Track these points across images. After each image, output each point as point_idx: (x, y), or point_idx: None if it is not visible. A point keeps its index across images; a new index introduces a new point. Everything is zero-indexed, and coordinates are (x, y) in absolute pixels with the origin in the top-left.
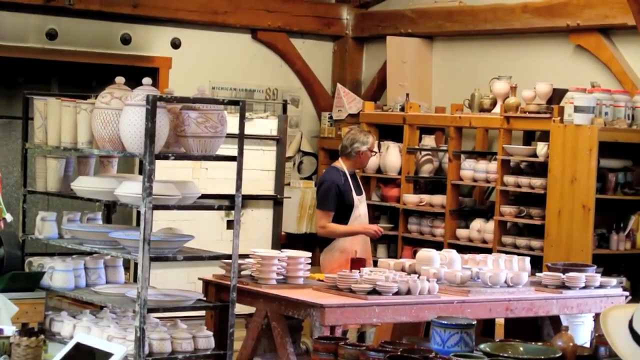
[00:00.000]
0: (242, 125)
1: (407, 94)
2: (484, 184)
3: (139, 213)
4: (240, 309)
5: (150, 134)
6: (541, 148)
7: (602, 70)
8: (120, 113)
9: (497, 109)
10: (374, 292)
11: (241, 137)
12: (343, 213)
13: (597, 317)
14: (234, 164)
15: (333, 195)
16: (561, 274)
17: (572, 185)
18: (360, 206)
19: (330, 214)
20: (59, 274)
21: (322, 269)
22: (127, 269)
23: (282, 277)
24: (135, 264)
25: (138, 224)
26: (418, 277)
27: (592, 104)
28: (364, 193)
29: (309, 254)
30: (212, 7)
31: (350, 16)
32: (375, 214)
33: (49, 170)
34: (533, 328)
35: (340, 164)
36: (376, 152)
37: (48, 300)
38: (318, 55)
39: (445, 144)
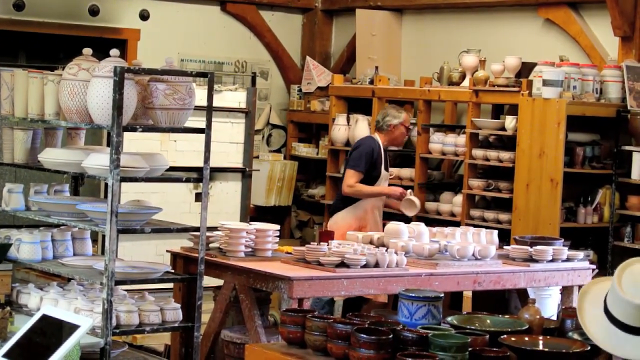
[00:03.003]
0: (210, 98)
1: (377, 67)
2: (452, 158)
3: (106, 185)
4: (208, 281)
5: (117, 105)
6: (510, 122)
7: (570, 44)
8: (88, 84)
9: (466, 83)
10: (342, 264)
11: (209, 110)
12: (367, 182)
13: (564, 290)
14: (203, 137)
15: (367, 158)
16: (529, 247)
17: (540, 159)
18: (384, 182)
19: (360, 176)
20: (26, 246)
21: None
22: (94, 241)
23: (250, 249)
24: (103, 236)
25: (106, 196)
26: (386, 250)
27: (561, 77)
28: (389, 171)
29: (277, 227)
30: None
31: None
32: None
33: (16, 141)
34: (500, 301)
35: (376, 136)
36: (411, 129)
37: (15, 272)
38: (287, 28)
39: (414, 117)
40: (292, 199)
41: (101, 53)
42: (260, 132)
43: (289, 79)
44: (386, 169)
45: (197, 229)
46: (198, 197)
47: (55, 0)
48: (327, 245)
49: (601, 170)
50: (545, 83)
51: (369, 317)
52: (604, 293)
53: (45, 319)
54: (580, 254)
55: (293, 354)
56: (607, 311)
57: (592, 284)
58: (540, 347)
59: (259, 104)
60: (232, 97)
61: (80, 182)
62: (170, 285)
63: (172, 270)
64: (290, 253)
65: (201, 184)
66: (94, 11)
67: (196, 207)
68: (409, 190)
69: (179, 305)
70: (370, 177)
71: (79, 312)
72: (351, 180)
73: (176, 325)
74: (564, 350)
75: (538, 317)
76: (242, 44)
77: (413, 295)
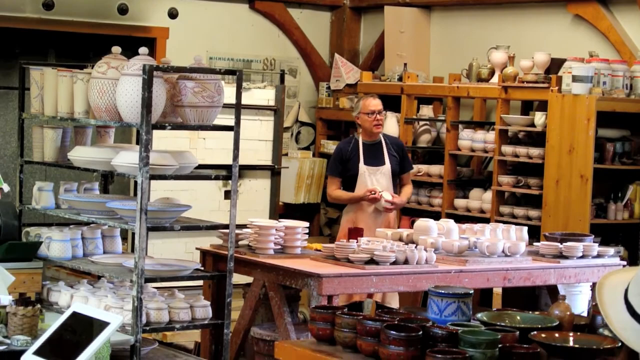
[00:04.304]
0: (239, 95)
1: (405, 64)
2: (481, 154)
3: (136, 183)
4: (237, 278)
5: (146, 103)
6: (539, 118)
7: (600, 40)
8: (117, 83)
9: (495, 79)
10: (372, 261)
11: (238, 107)
12: (348, 181)
13: (594, 287)
14: (231, 134)
15: (337, 161)
16: (559, 244)
17: (570, 155)
18: (370, 177)
19: (335, 180)
20: (57, 244)
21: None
22: (124, 239)
23: (279, 247)
24: (133, 234)
25: (135, 194)
26: (415, 247)
27: (590, 73)
28: (385, 165)
29: (307, 224)
30: None
31: None
32: None
33: (46, 140)
34: (530, 297)
35: (357, 134)
36: (374, 113)
37: (46, 270)
38: (316, 25)
39: (443, 114)
40: (321, 196)
41: (130, 51)
42: (289, 129)
43: (318, 77)
44: (371, 163)
45: (226, 227)
46: (227, 194)
47: None
48: (356, 242)
49: (631, 166)
50: (575, 79)
51: (398, 314)
52: (622, 286)
53: (75, 316)
54: (611, 250)
55: (323, 350)
56: (629, 307)
57: (607, 277)
58: (571, 344)
59: (288, 102)
60: (261, 94)
61: (109, 180)
62: (199, 282)
63: (202, 268)
64: (320, 250)
65: (230, 181)
66: (122, 10)
67: (225, 205)
68: (381, 193)
69: (208, 303)
70: (348, 178)
71: (109, 309)
72: (330, 188)
73: (206, 322)
74: (594, 347)
75: (568, 313)
76: (271, 41)
77: (442, 292)
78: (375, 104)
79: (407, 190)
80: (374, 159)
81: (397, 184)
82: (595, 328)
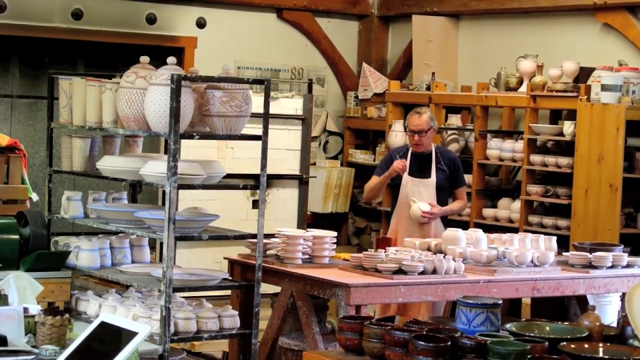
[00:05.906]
0: (267, 105)
1: (433, 73)
2: (510, 163)
3: (164, 192)
4: (265, 288)
5: (174, 113)
6: (568, 127)
7: (629, 49)
8: (145, 92)
9: (524, 88)
10: (400, 271)
11: (266, 117)
12: (392, 190)
13: (624, 297)
14: (259, 144)
15: (384, 163)
16: (588, 254)
17: (599, 164)
18: (412, 188)
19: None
20: (85, 254)
21: None
22: (152, 248)
23: (307, 256)
24: (161, 244)
25: (163, 203)
26: (444, 257)
27: (619, 82)
28: (430, 178)
29: (335, 234)
30: None
31: None
32: None
33: (75, 149)
34: (560, 308)
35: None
36: (414, 133)
37: (74, 279)
38: (343, 35)
39: (471, 123)
40: (349, 206)
41: (158, 61)
42: (317, 139)
43: (346, 86)
44: (415, 174)
45: (254, 236)
46: (255, 204)
47: (113, 9)
48: (385, 252)
49: None
50: (604, 88)
51: (427, 324)
52: None
53: (103, 326)
54: None
55: None
56: None
57: (637, 287)
58: (600, 355)
59: (316, 111)
60: (289, 104)
61: (138, 190)
62: (227, 292)
63: (230, 277)
64: (348, 260)
65: (258, 191)
66: (151, 19)
67: (253, 214)
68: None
69: (236, 312)
70: (392, 186)
71: (137, 319)
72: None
73: (234, 332)
74: (624, 358)
75: (598, 324)
76: (299, 51)
77: (471, 302)
78: (416, 124)
79: (455, 204)
80: (420, 171)
81: (448, 198)
82: (625, 339)
